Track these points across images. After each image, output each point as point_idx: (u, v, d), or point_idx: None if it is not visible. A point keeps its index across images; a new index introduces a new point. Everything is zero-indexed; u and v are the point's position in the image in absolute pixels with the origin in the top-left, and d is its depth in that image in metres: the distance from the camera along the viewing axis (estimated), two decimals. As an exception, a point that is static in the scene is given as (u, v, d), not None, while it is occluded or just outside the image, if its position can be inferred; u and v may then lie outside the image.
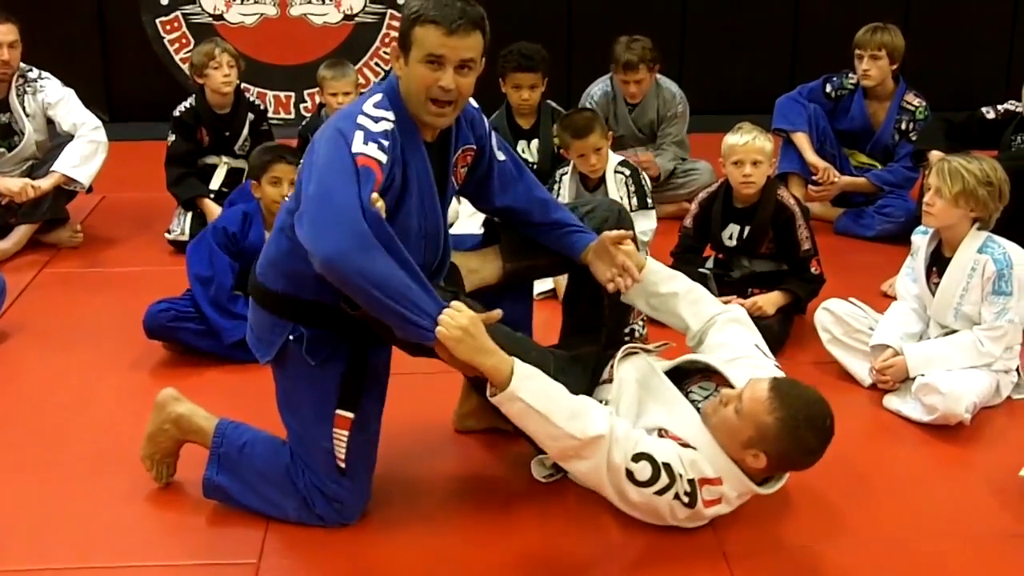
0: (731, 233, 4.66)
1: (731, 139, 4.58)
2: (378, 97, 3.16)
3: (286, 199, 4.32)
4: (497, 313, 3.16)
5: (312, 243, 2.97)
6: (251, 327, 3.41)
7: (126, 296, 4.96)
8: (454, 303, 3.02)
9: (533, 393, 3.06)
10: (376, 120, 3.08)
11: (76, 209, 5.86)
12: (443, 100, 3.12)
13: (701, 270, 4.65)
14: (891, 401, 4.07)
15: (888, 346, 4.11)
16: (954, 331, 4.09)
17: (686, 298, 3.55)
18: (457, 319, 2.99)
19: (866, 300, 4.47)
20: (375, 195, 3.00)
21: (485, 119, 3.47)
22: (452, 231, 4.70)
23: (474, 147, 3.41)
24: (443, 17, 3.06)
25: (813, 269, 4.58)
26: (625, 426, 3.17)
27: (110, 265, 5.51)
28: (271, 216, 4.44)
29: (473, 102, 3.40)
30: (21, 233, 5.54)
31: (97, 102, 7.28)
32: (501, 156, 3.50)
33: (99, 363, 4.44)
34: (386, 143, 3.05)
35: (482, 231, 3.71)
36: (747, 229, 4.60)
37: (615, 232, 3.47)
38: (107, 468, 3.66)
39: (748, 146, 4.51)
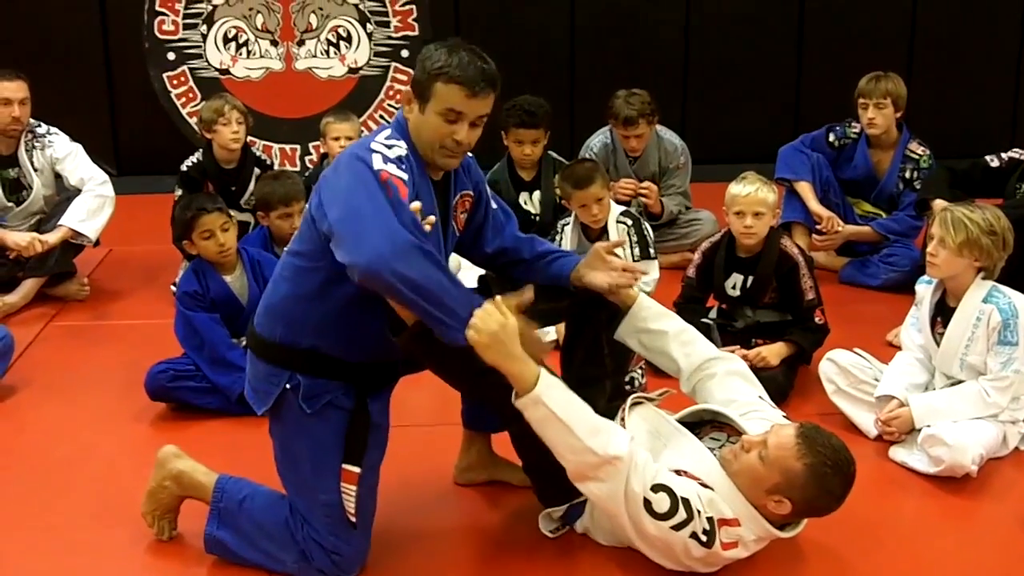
0: (734, 283, 4.66)
1: (734, 189, 4.58)
2: (387, 131, 3.24)
3: (225, 245, 4.48)
4: (529, 296, 3.17)
5: (351, 256, 2.97)
6: (248, 379, 3.42)
7: (132, 349, 4.97)
8: (486, 306, 3.01)
9: (557, 401, 3.07)
10: (390, 147, 3.15)
11: (83, 262, 5.89)
12: (454, 150, 3.20)
13: (704, 320, 4.64)
14: (897, 452, 4.04)
15: (893, 397, 4.09)
16: (960, 381, 4.06)
17: (677, 338, 3.56)
18: (487, 323, 2.98)
19: (871, 350, 4.45)
20: (416, 204, 3.05)
21: (478, 167, 3.54)
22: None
23: (471, 193, 3.47)
24: (467, 79, 3.13)
25: (817, 319, 4.58)
26: (646, 455, 3.16)
27: (116, 318, 5.53)
28: (217, 263, 4.57)
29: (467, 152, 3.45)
30: (29, 287, 5.56)
31: (105, 156, 7.38)
32: (493, 204, 3.58)
33: (103, 416, 4.44)
34: (403, 166, 3.12)
35: (476, 286, 3.72)
36: (750, 279, 4.60)
37: (609, 242, 3.53)
38: (109, 521, 3.66)
39: (750, 197, 4.51)
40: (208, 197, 4.90)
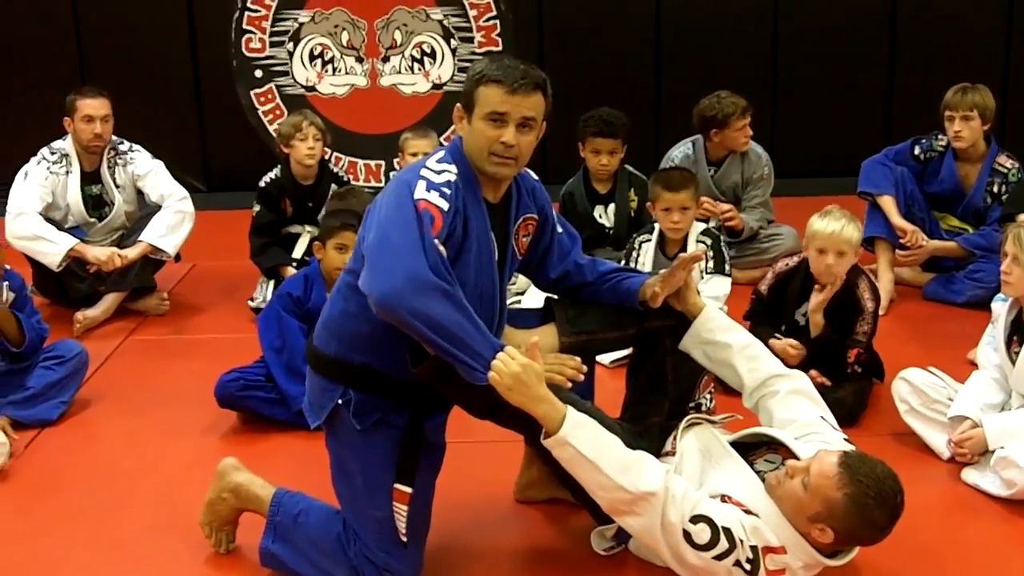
0: (805, 310, 4.52)
1: (817, 224, 4.38)
2: (441, 154, 3.24)
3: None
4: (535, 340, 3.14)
5: (369, 285, 3.02)
6: (306, 392, 3.44)
7: (207, 363, 5.00)
8: (508, 348, 3.02)
9: (584, 441, 3.04)
10: (439, 172, 3.14)
11: (166, 277, 5.99)
12: (505, 155, 3.16)
13: (776, 337, 4.53)
14: (969, 475, 3.92)
15: (967, 417, 3.96)
16: (1037, 402, 3.93)
17: (742, 352, 3.48)
18: (510, 365, 2.98)
19: (953, 368, 4.33)
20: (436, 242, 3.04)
21: (545, 191, 3.50)
22: (523, 303, 4.72)
23: (535, 217, 3.43)
24: (506, 77, 3.13)
25: (850, 358, 4.42)
26: (684, 486, 3.11)
27: (194, 332, 5.60)
28: (331, 280, 4.53)
29: (532, 174, 3.45)
30: (110, 301, 5.65)
31: (194, 172, 7.54)
32: (559, 228, 3.54)
33: (173, 429, 4.50)
34: (448, 192, 3.10)
35: (542, 307, 3.69)
36: None
37: (688, 255, 3.51)
38: (169, 533, 3.71)
39: (835, 236, 4.33)
40: (354, 215, 4.87)
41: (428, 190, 3.08)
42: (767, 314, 4.64)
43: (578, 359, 3.24)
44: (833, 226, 4.34)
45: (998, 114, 5.74)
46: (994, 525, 3.70)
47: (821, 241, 4.36)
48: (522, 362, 2.99)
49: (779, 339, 4.48)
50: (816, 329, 4.42)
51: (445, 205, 3.07)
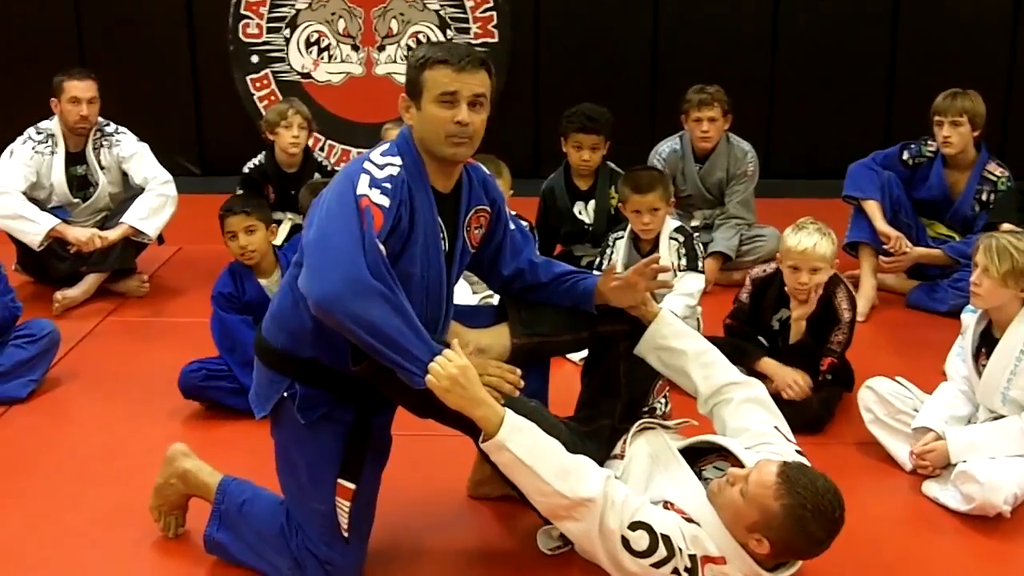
0: (781, 316, 4.47)
1: (790, 241, 4.28)
2: (385, 146, 3.22)
3: (247, 248, 4.52)
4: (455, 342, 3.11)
5: (307, 286, 3.00)
6: (254, 382, 3.42)
7: (181, 346, 4.97)
8: (446, 351, 3.00)
9: (521, 445, 3.02)
10: (382, 167, 3.12)
11: (150, 260, 6.00)
12: (460, 135, 3.13)
13: (760, 338, 4.50)
14: (930, 488, 3.87)
15: (930, 429, 3.91)
16: (1003, 416, 3.87)
17: (697, 359, 3.44)
18: (447, 368, 2.96)
19: (929, 379, 4.27)
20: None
21: (497, 185, 3.48)
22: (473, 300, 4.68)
23: (487, 209, 3.39)
24: (450, 56, 3.12)
25: (822, 366, 4.36)
26: (624, 492, 3.08)
27: (171, 315, 5.60)
28: (257, 269, 4.62)
29: (483, 167, 3.42)
30: (90, 282, 5.66)
31: (190, 156, 7.55)
32: (511, 225, 3.51)
33: (139, 412, 4.50)
34: (389, 186, 3.07)
35: (495, 306, 3.66)
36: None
37: (649, 259, 3.47)
38: (123, 517, 3.71)
39: (808, 254, 4.22)
40: (239, 199, 4.95)
41: (370, 186, 3.05)
42: (748, 325, 4.55)
43: (518, 371, 3.17)
44: (806, 243, 4.24)
45: (1000, 117, 5.67)
46: (952, 540, 3.65)
47: (794, 259, 4.27)
48: (460, 364, 2.96)
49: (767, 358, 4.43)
50: (797, 336, 4.37)
51: (386, 202, 3.04)
